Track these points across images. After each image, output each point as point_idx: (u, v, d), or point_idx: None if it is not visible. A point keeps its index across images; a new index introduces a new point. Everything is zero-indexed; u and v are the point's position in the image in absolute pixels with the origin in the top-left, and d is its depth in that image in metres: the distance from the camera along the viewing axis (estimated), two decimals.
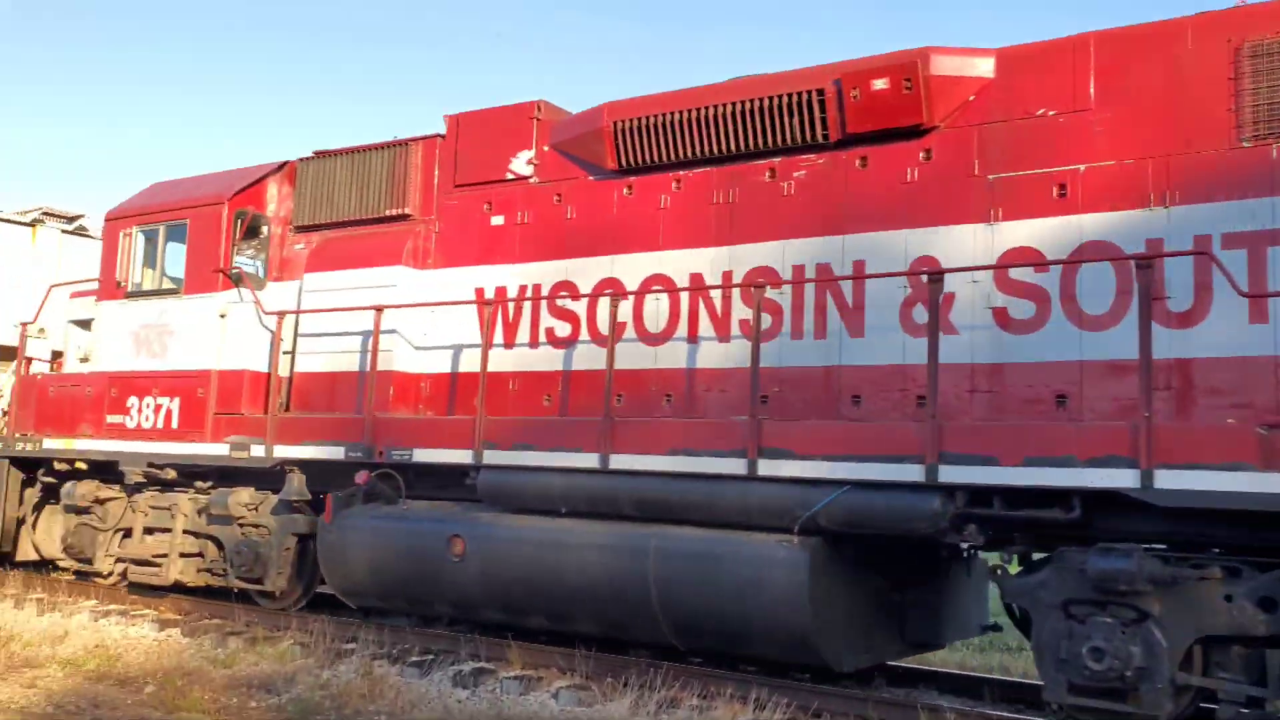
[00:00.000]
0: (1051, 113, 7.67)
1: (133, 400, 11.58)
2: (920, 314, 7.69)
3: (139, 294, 11.81)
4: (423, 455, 9.52)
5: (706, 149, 8.96)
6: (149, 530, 11.68)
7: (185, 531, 11.30)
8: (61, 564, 13.01)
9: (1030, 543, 7.37)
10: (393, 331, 10.12)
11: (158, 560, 11.37)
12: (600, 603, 8.43)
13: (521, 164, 10.06)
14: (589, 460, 8.56)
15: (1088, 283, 7.29)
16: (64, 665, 8.61)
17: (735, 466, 7.88)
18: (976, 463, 7.01)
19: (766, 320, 8.35)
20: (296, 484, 10.48)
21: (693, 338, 8.88)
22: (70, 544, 12.14)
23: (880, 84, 8.09)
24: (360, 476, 9.82)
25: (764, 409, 8.16)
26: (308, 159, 11.47)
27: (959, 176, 7.92)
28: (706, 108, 8.93)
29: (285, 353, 10.87)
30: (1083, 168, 7.48)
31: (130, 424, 11.54)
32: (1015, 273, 7.55)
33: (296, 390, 10.83)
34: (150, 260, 11.88)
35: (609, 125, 9.37)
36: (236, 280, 11.17)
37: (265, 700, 7.73)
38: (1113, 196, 7.34)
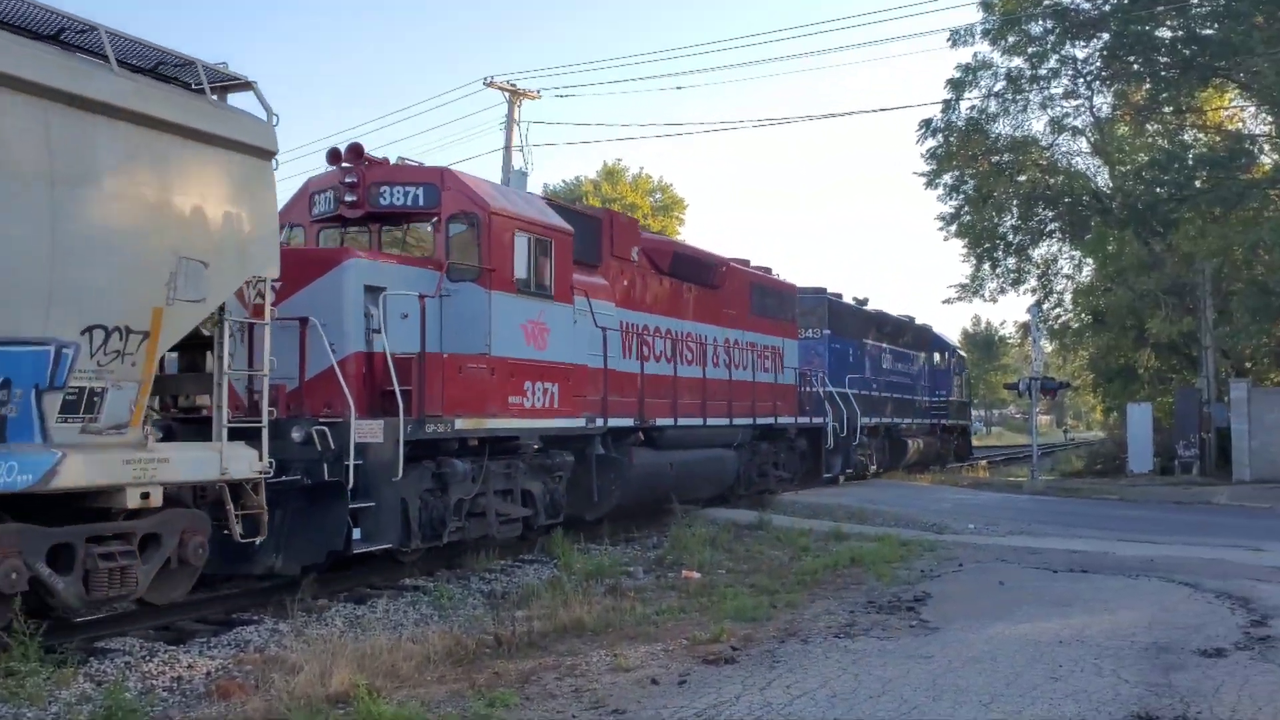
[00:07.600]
0: None
1: (527, 384, 13.43)
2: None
3: (527, 292, 13.37)
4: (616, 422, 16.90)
5: (677, 271, 19.22)
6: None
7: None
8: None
9: None
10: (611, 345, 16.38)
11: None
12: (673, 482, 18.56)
13: (635, 254, 17.52)
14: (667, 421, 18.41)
15: None
16: None
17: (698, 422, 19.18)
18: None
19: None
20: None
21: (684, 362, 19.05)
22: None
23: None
24: (639, 436, 16.32)
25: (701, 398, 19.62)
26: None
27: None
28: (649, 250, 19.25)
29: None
30: None
31: (526, 404, 13.43)
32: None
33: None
34: (530, 264, 13.46)
35: (670, 251, 18.37)
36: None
37: None
38: None
